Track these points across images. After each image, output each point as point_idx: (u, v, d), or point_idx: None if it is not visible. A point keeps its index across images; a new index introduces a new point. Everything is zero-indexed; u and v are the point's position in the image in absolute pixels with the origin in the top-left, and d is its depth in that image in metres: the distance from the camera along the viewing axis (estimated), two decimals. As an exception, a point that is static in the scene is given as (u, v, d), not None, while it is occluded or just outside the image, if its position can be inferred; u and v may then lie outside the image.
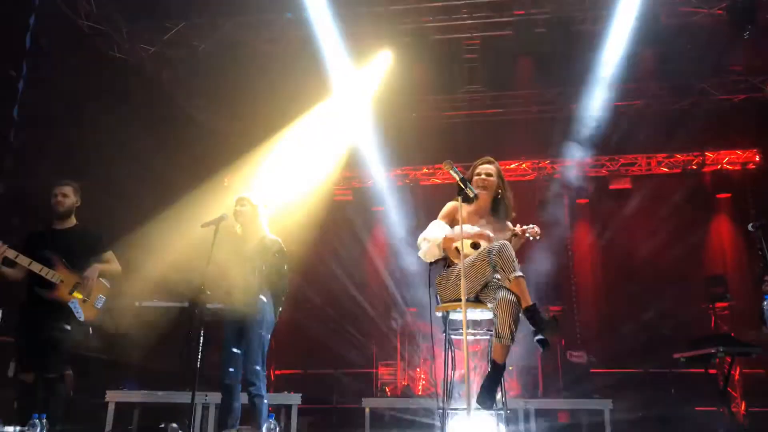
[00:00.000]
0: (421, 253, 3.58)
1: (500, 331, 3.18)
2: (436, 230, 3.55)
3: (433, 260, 3.60)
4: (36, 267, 3.93)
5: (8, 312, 4.26)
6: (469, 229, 3.44)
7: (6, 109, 5.87)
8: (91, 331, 4.11)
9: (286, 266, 4.36)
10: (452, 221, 3.61)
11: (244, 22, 7.67)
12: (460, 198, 3.24)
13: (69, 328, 4.01)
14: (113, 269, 4.34)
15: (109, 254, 4.35)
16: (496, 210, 3.70)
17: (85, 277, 4.11)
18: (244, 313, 4.18)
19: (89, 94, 7.02)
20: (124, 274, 4.52)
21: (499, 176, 3.72)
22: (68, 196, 4.23)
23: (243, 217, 4.34)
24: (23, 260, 3.91)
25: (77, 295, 4.06)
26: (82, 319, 4.05)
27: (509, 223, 3.68)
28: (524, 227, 3.54)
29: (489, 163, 3.74)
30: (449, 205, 3.70)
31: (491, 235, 3.47)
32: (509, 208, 3.71)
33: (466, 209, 3.50)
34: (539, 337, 3.12)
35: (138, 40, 7.85)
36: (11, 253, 3.86)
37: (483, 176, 3.67)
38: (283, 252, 4.34)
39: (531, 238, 3.53)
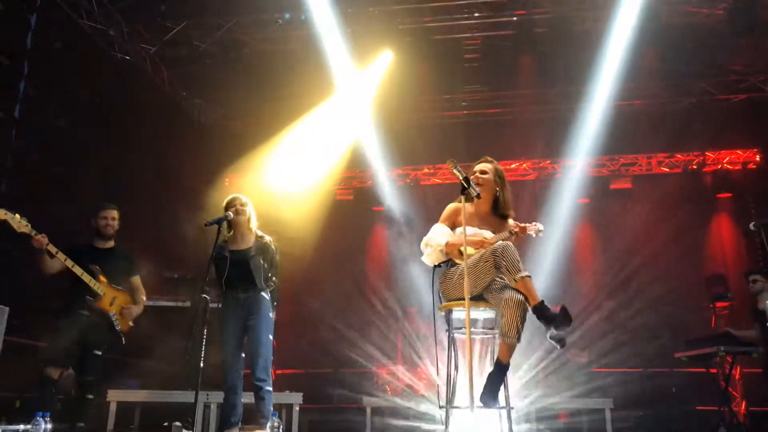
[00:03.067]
0: (424, 258, 3.56)
1: (506, 330, 3.18)
2: (439, 235, 3.52)
3: (437, 264, 3.58)
4: (78, 271, 4.24)
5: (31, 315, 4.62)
6: (471, 233, 3.41)
7: (7, 108, 5.87)
8: (124, 341, 4.51)
9: (277, 261, 4.49)
10: (453, 223, 3.61)
11: (245, 22, 7.68)
12: (463, 197, 3.23)
13: (111, 336, 4.42)
14: (143, 300, 4.69)
15: (138, 279, 4.70)
16: (495, 208, 3.69)
17: (130, 310, 4.52)
18: (247, 310, 4.19)
19: (89, 93, 7.02)
20: None
21: (497, 175, 3.69)
22: (116, 219, 4.58)
23: (245, 216, 4.37)
24: (61, 256, 4.16)
25: (116, 308, 4.44)
26: (118, 329, 4.45)
27: (511, 221, 3.66)
28: (524, 225, 3.55)
29: (486, 162, 3.74)
30: (449, 208, 3.68)
31: (491, 238, 3.46)
32: (507, 206, 3.69)
33: (466, 210, 3.51)
34: (552, 332, 3.10)
35: (139, 39, 7.86)
36: (53, 248, 4.11)
37: (477, 174, 3.65)
38: (276, 249, 4.46)
39: (534, 235, 3.55)
